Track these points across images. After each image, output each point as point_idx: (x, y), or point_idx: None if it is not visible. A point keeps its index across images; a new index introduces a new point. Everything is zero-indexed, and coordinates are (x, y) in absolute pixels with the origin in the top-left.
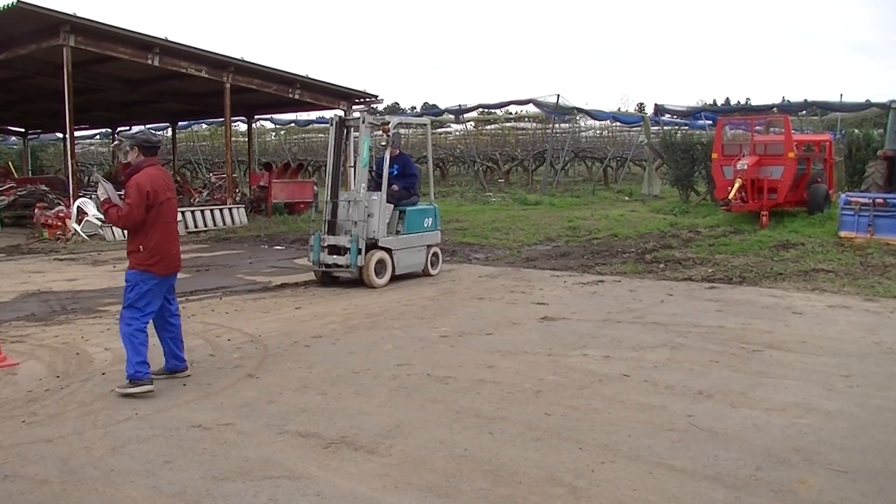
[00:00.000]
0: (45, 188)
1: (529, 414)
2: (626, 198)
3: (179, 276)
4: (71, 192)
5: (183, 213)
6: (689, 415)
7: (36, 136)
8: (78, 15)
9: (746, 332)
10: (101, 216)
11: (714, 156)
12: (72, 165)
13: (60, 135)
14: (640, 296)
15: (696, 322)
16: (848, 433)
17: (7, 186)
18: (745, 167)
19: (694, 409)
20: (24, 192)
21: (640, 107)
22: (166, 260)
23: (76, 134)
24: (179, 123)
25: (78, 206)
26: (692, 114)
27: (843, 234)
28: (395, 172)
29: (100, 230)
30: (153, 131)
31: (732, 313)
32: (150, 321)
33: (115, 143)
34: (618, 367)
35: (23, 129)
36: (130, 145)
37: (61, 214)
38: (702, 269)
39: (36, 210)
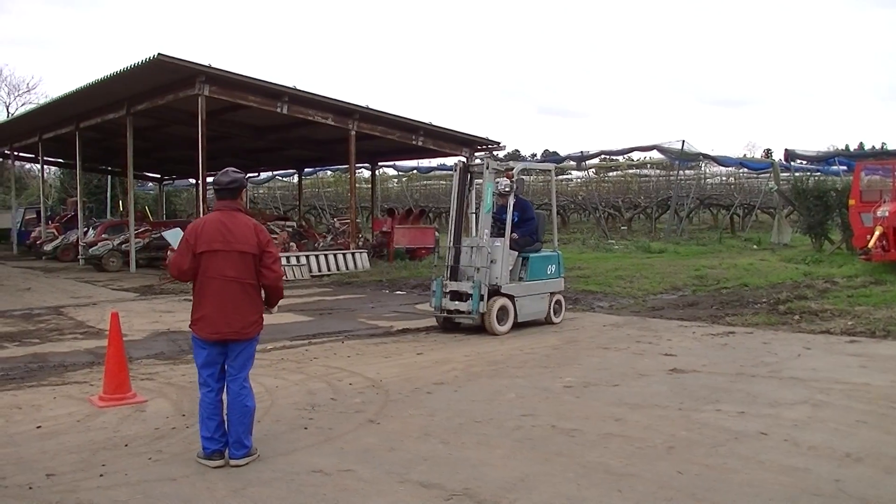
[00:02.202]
0: None
1: (661, 472)
2: (755, 246)
3: (302, 318)
4: None
5: (307, 257)
6: (837, 479)
7: (171, 181)
8: (213, 66)
9: None
10: None
11: (852, 202)
12: (203, 210)
13: (193, 181)
14: (775, 349)
15: (838, 378)
16: None
17: (142, 229)
18: (887, 214)
19: (842, 473)
20: (158, 235)
21: (768, 153)
22: (205, 322)
23: (208, 180)
24: (305, 170)
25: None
26: (824, 159)
27: None
28: (516, 219)
29: None
30: (234, 170)
31: (879, 369)
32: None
33: None
34: (754, 425)
35: (158, 176)
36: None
37: None
38: (841, 321)
39: (168, 252)
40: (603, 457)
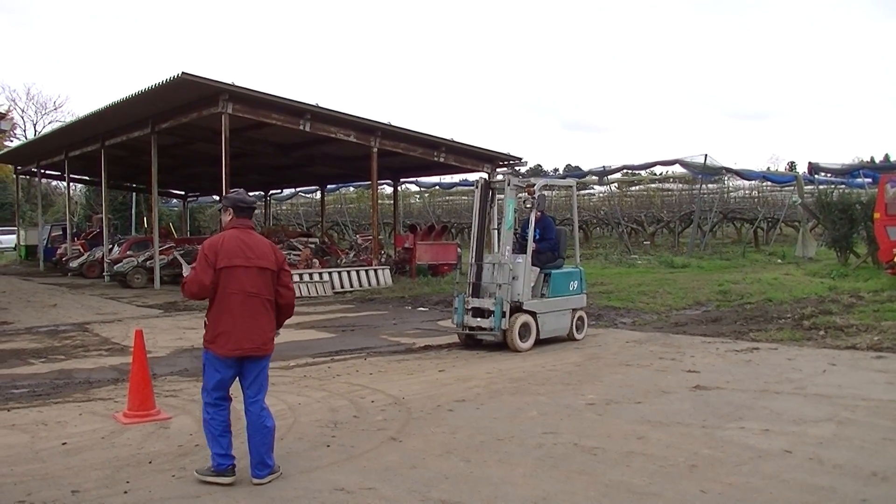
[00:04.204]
0: None
1: (684, 491)
2: (779, 260)
3: (324, 335)
4: None
5: (330, 273)
6: (864, 499)
7: (194, 198)
8: (236, 84)
9: None
10: None
11: (877, 215)
12: None
13: (217, 197)
14: (800, 365)
15: (863, 395)
16: None
17: (166, 246)
18: None
19: (868, 492)
20: (182, 252)
21: (791, 166)
22: (226, 337)
23: None
24: (328, 186)
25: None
26: (849, 171)
27: None
28: (537, 236)
29: None
30: (244, 191)
31: None
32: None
33: (220, 205)
34: (779, 442)
35: (182, 193)
36: (224, 206)
37: None
38: (867, 336)
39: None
40: (625, 475)
